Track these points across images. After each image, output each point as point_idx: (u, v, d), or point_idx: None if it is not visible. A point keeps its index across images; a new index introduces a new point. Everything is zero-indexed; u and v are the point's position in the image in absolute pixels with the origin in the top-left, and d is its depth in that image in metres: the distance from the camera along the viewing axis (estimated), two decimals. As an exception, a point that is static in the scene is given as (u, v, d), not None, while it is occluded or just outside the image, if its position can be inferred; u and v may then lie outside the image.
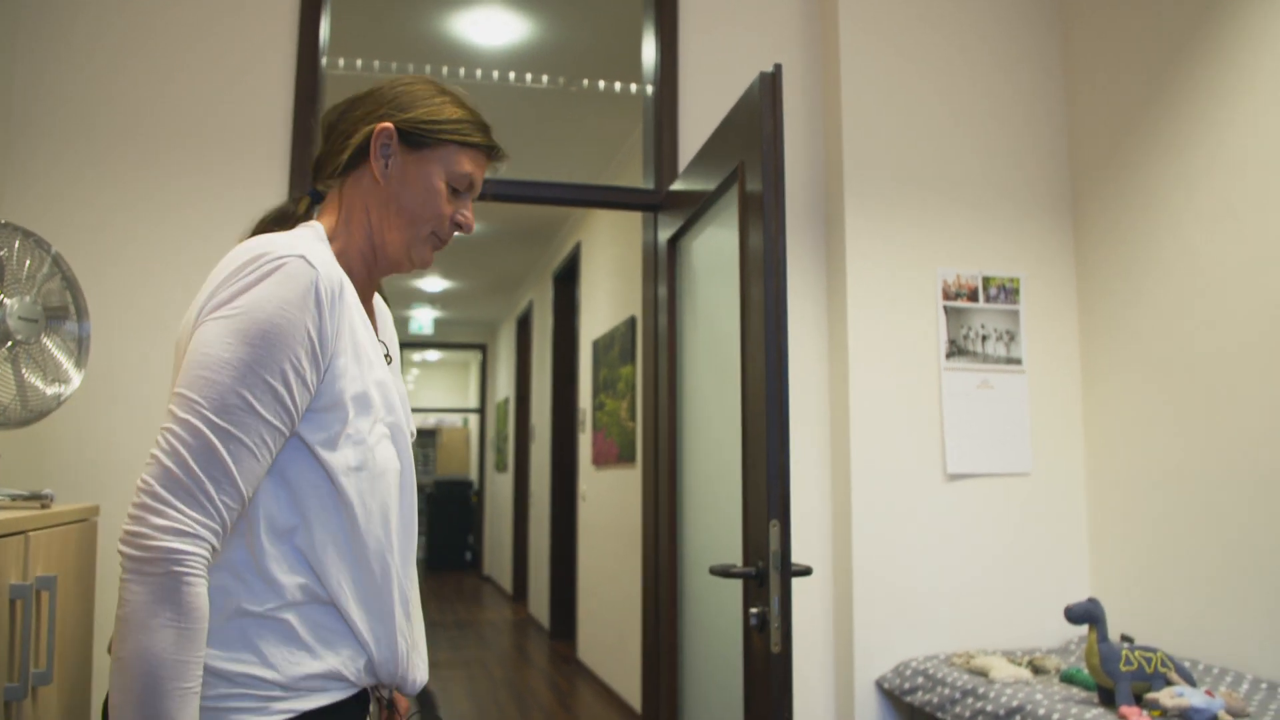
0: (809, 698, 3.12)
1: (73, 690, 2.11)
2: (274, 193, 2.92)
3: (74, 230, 2.82)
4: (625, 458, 5.33)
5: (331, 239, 1.30)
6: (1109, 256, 3.23)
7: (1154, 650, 2.37)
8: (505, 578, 10.39)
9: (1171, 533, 2.93)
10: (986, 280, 3.29)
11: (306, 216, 1.35)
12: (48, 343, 2.15)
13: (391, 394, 1.26)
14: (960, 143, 3.34)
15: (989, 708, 2.54)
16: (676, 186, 3.04)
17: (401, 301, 10.55)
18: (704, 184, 2.73)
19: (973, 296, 3.27)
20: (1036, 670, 2.83)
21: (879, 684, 3.04)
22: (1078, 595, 3.24)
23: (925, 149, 3.30)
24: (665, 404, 3.12)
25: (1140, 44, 3.11)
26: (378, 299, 1.45)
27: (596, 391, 6.11)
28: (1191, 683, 2.36)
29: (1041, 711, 2.40)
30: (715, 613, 2.68)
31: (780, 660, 2.06)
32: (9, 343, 2.04)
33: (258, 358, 1.09)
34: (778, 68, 2.27)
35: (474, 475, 13.60)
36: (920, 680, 2.87)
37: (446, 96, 1.35)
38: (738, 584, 2.39)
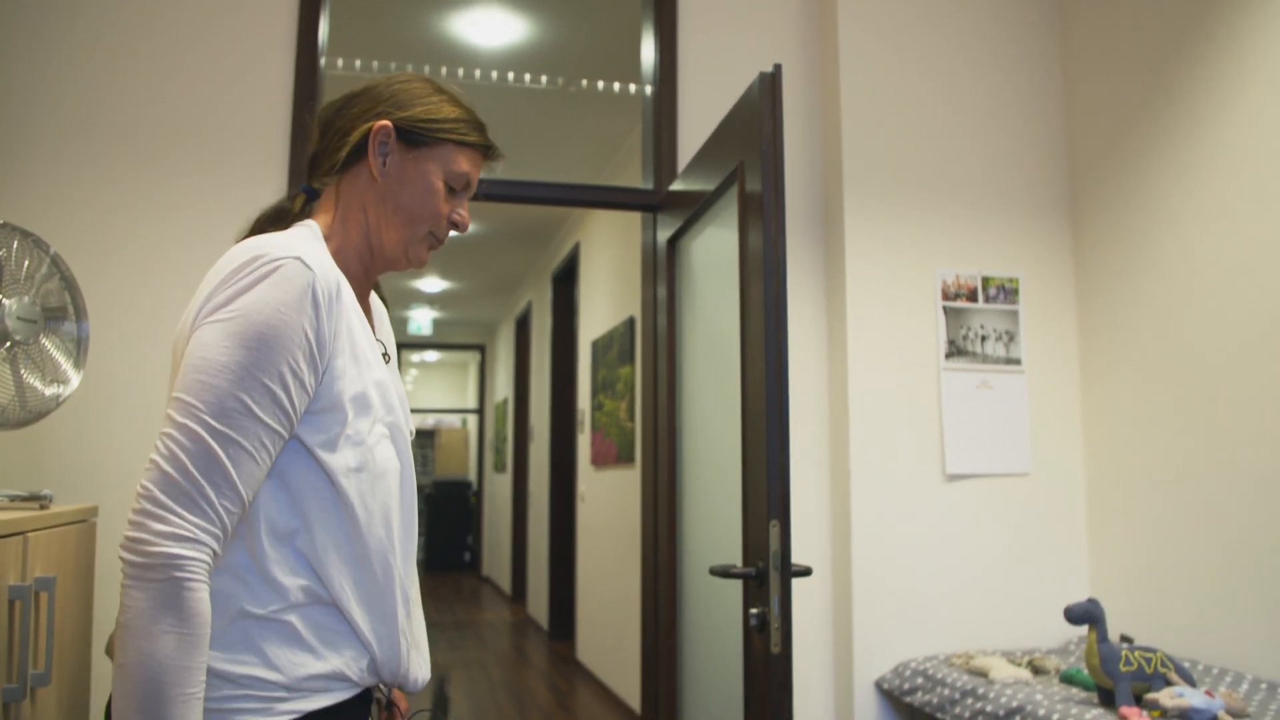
0: (808, 698, 3.11)
1: (71, 691, 2.10)
2: (273, 192, 2.92)
3: (73, 230, 2.81)
4: (624, 458, 5.32)
5: (328, 238, 1.30)
6: (1108, 256, 3.23)
7: (1154, 650, 2.37)
8: (504, 578, 10.38)
9: (1171, 533, 2.93)
10: (986, 280, 3.29)
11: (303, 214, 1.34)
12: (46, 343, 2.14)
13: (390, 394, 1.26)
14: (959, 143, 3.34)
15: (989, 708, 2.54)
16: (676, 187, 3.04)
17: (400, 302, 10.55)
18: (703, 184, 2.73)
19: (972, 297, 3.27)
20: (1036, 671, 2.82)
21: (878, 684, 3.04)
22: (1077, 595, 3.24)
23: (924, 149, 3.30)
24: (664, 404, 3.12)
25: (1139, 44, 3.11)
26: (374, 297, 1.44)
27: (595, 392, 6.11)
28: (1191, 683, 2.36)
29: (1041, 712, 2.40)
30: (714, 613, 2.67)
31: (780, 661, 2.05)
32: (7, 343, 2.03)
33: (255, 361, 1.09)
34: (777, 68, 2.27)
35: (472, 476, 13.59)
36: (920, 681, 2.87)
37: (444, 95, 1.35)
38: (737, 584, 2.39)
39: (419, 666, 1.30)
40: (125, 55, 2.91)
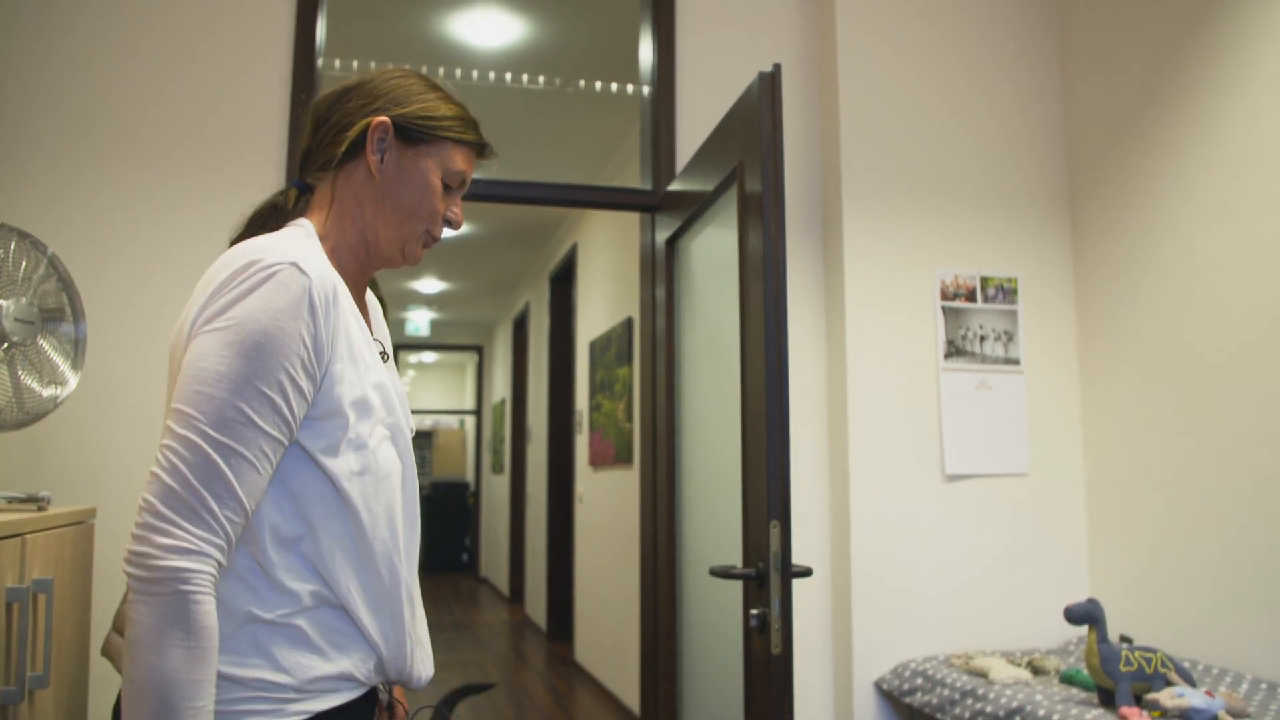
0: (808, 699, 3.11)
1: (70, 693, 2.10)
2: (271, 193, 2.91)
3: (72, 231, 2.81)
4: (622, 459, 5.32)
5: (323, 237, 1.29)
6: (1107, 256, 3.23)
7: (1154, 651, 2.37)
8: (502, 579, 10.37)
9: (1171, 533, 2.93)
10: (984, 280, 3.29)
11: (296, 209, 1.33)
12: (44, 344, 2.14)
13: (390, 394, 1.25)
14: (958, 142, 3.34)
15: (988, 709, 2.54)
16: (674, 187, 3.04)
17: (398, 303, 10.54)
18: (702, 184, 2.73)
19: (971, 297, 3.27)
20: (1036, 671, 2.82)
21: (878, 685, 3.04)
22: (1077, 596, 3.24)
23: (923, 149, 3.30)
24: (663, 405, 3.11)
25: (1137, 43, 3.11)
26: (370, 295, 1.44)
27: (593, 393, 6.10)
28: (1191, 683, 2.35)
29: (1041, 713, 2.39)
30: (714, 614, 2.67)
31: (781, 662, 2.05)
32: (5, 345, 2.03)
33: (253, 369, 1.08)
34: (777, 67, 2.26)
35: (470, 477, 13.58)
36: (919, 681, 2.86)
37: (439, 92, 1.34)
38: (736, 585, 2.38)
39: (423, 664, 1.30)
40: (125, 55, 2.90)
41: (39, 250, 2.15)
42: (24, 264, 2.11)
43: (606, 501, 5.79)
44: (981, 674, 2.74)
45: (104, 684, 2.42)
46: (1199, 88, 2.88)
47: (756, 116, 2.27)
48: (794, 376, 3.22)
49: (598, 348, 6.04)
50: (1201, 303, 2.84)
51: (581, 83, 4.72)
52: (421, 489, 12.88)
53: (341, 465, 1.17)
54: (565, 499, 7.39)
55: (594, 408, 6.06)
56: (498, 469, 10.91)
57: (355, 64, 3.64)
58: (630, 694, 5.16)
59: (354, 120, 1.29)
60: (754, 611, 2.12)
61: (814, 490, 3.20)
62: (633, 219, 4.96)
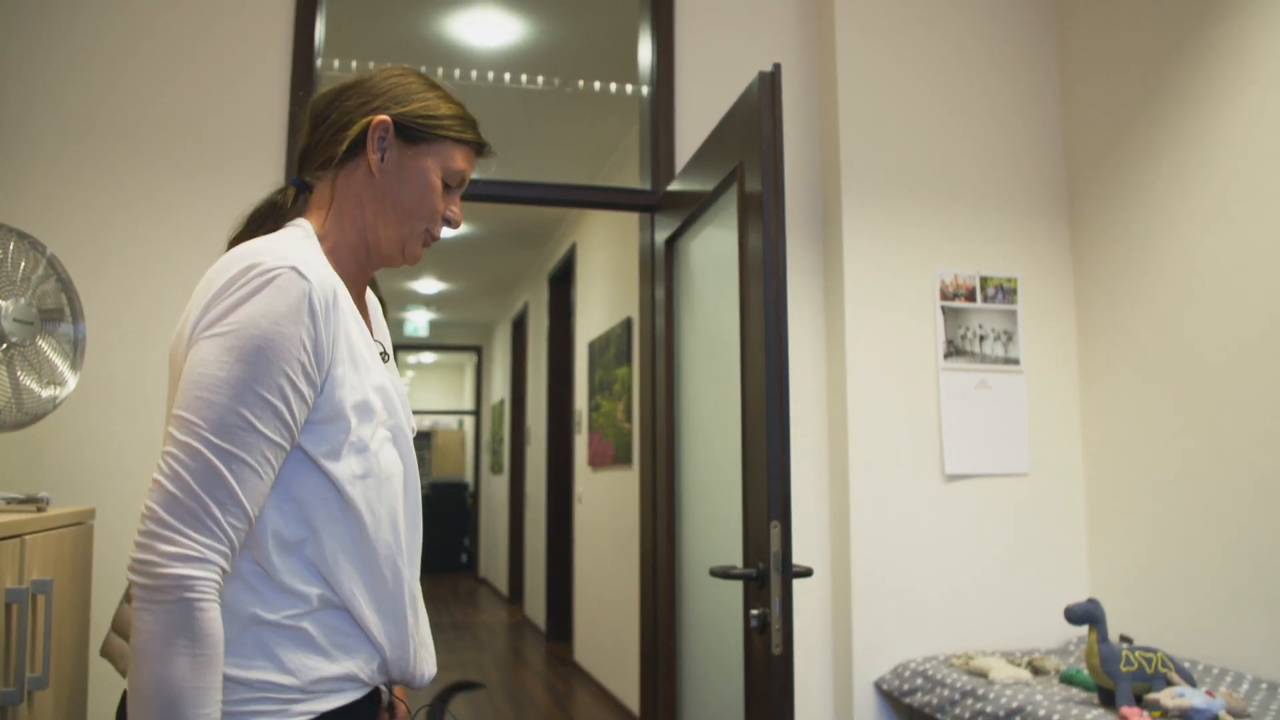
0: (807, 699, 3.11)
1: (69, 694, 2.09)
2: (269, 192, 2.91)
3: (71, 231, 2.80)
4: (621, 459, 5.32)
5: (321, 237, 1.28)
6: (1106, 256, 3.23)
7: (1154, 651, 2.37)
8: (501, 580, 10.37)
9: (1171, 533, 2.93)
10: (984, 280, 3.29)
11: (295, 209, 1.33)
12: (43, 345, 2.14)
13: (391, 396, 1.25)
14: (957, 143, 3.34)
15: (989, 709, 2.54)
16: (674, 187, 3.04)
17: (396, 304, 10.53)
18: (702, 184, 2.73)
19: (970, 296, 3.27)
20: (1036, 671, 2.82)
21: (878, 685, 3.04)
22: (1077, 596, 3.24)
23: (922, 149, 3.30)
24: (663, 405, 3.11)
25: (1137, 43, 3.11)
26: (370, 294, 1.43)
27: (592, 393, 6.10)
28: (1192, 683, 2.35)
29: (1041, 713, 2.39)
30: (713, 614, 2.67)
31: (781, 662, 2.05)
32: (4, 345, 2.02)
33: (254, 375, 1.08)
34: (777, 67, 2.26)
35: (469, 477, 13.58)
36: (919, 681, 2.86)
37: (438, 91, 1.34)
38: (736, 585, 2.38)
39: (426, 664, 1.30)
40: (124, 55, 2.90)
41: (38, 250, 2.15)
42: (23, 264, 2.11)
43: (605, 502, 5.79)
44: (981, 674, 2.74)
45: (103, 685, 2.42)
46: (1198, 88, 2.88)
47: (756, 116, 2.27)
48: (793, 376, 3.22)
49: (597, 348, 6.04)
50: (1201, 303, 2.84)
51: (580, 83, 4.72)
52: (421, 489, 12.89)
53: (344, 469, 1.16)
54: (564, 499, 7.39)
55: (593, 408, 6.06)
56: (497, 469, 10.91)
57: (354, 64, 3.64)
58: (630, 694, 5.16)
59: (354, 119, 1.29)
60: (754, 612, 2.12)
61: (813, 490, 3.20)
62: (631, 219, 4.95)
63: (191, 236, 2.88)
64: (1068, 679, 2.64)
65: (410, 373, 15.42)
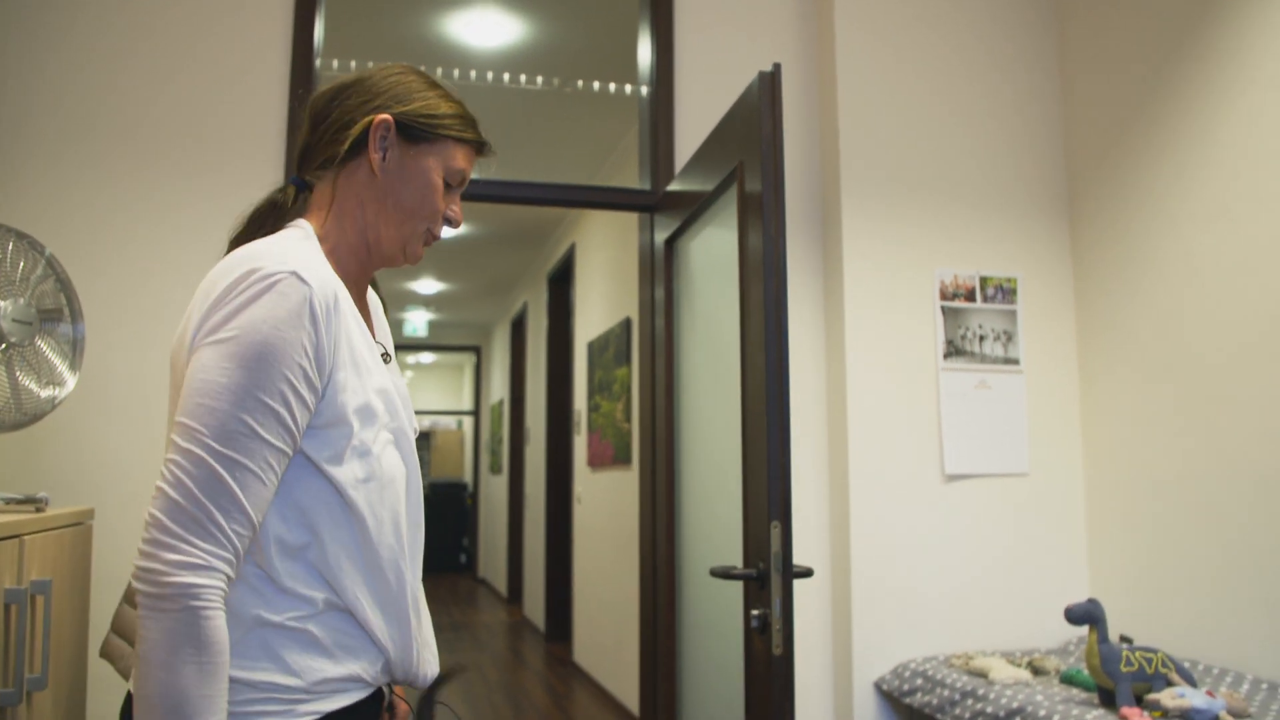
0: (807, 700, 3.11)
1: (68, 694, 2.09)
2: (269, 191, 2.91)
3: (72, 231, 2.80)
4: (620, 459, 5.32)
5: (322, 238, 1.28)
6: (1106, 256, 3.23)
7: (1154, 651, 2.37)
8: (500, 580, 10.37)
9: (1171, 533, 2.93)
10: (984, 280, 3.29)
11: (295, 208, 1.32)
12: (42, 345, 2.13)
13: (393, 398, 1.25)
14: (957, 143, 3.33)
15: (989, 709, 2.54)
16: (673, 187, 3.03)
17: (395, 304, 10.53)
18: (702, 184, 2.73)
19: (970, 296, 3.27)
20: (1036, 671, 2.82)
21: (878, 685, 3.03)
22: (1077, 596, 3.24)
23: (922, 149, 3.30)
24: (663, 405, 3.11)
25: (1136, 43, 3.11)
26: (371, 294, 1.43)
27: (591, 393, 6.10)
28: (1192, 683, 2.35)
29: (1042, 713, 2.39)
30: (713, 615, 2.67)
31: (782, 662, 2.05)
32: (2, 345, 2.02)
33: (256, 381, 1.08)
34: (777, 67, 2.26)
35: (468, 478, 13.58)
36: (919, 682, 2.86)
37: (439, 90, 1.34)
38: (736, 586, 2.38)
39: (429, 664, 1.31)
40: (124, 55, 2.90)
41: (37, 250, 2.14)
42: (21, 264, 2.10)
43: (605, 502, 5.78)
44: (981, 674, 2.73)
45: (102, 685, 2.42)
46: (1197, 88, 2.87)
47: (756, 116, 2.26)
48: (793, 376, 3.22)
49: (596, 348, 6.03)
50: (1201, 303, 2.84)
51: (580, 83, 4.72)
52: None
53: (346, 473, 1.16)
54: (563, 499, 7.39)
55: (592, 408, 6.05)
56: (496, 470, 10.91)
57: (353, 64, 3.64)
58: (629, 695, 5.15)
59: (355, 118, 1.28)
60: (755, 612, 2.11)
61: (813, 490, 3.20)
62: (631, 219, 4.95)
63: (191, 236, 2.87)
64: (1068, 679, 2.64)
65: (409, 373, 15.42)
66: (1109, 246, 3.22)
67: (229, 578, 1.07)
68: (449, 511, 12.69)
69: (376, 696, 1.26)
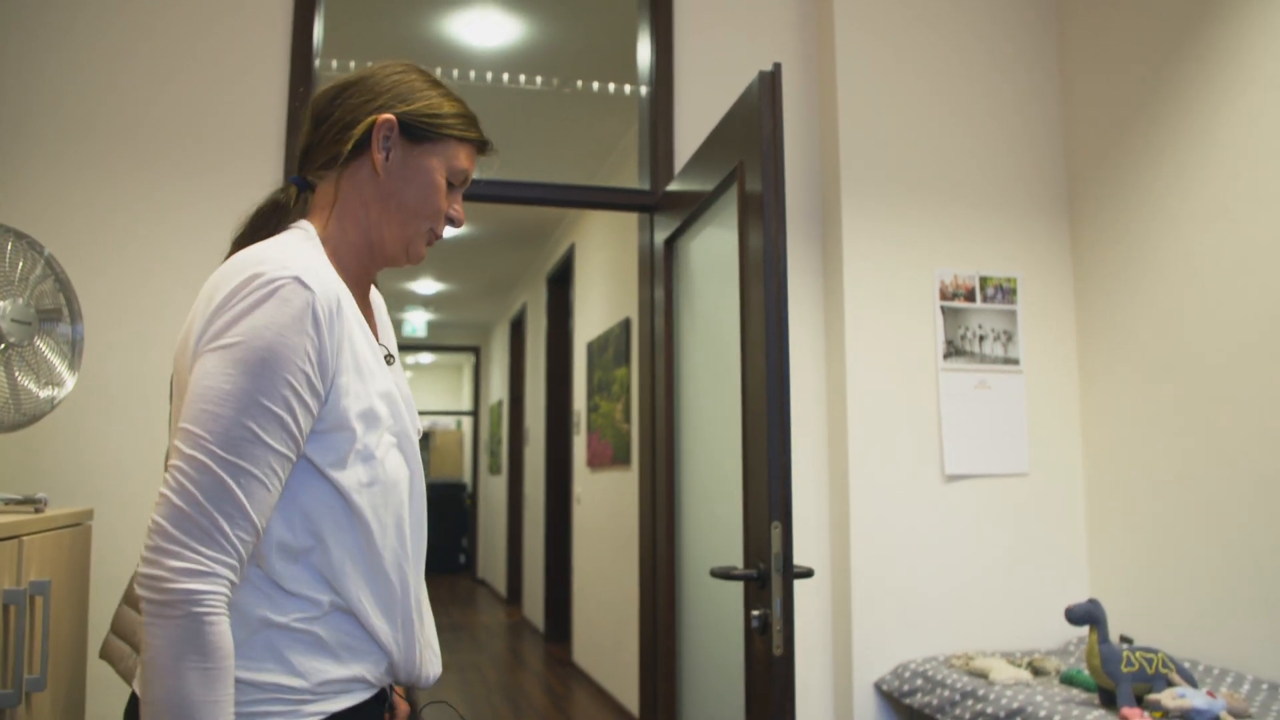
0: (807, 700, 3.11)
1: (67, 695, 2.09)
2: (270, 191, 2.90)
3: (70, 231, 2.79)
4: (620, 460, 5.31)
5: (324, 240, 1.27)
6: (1106, 256, 3.23)
7: (1155, 651, 2.37)
8: (499, 581, 10.36)
9: (1171, 533, 2.93)
10: (984, 280, 3.29)
11: (297, 208, 1.32)
12: (41, 345, 2.13)
13: (397, 401, 1.25)
14: (957, 143, 3.33)
15: (989, 709, 2.53)
16: (673, 187, 3.03)
17: (395, 304, 10.53)
18: (701, 184, 2.72)
19: (970, 296, 3.27)
20: (1036, 672, 2.82)
21: (878, 686, 3.03)
22: (1077, 596, 3.23)
23: (922, 149, 3.30)
24: (662, 406, 3.11)
25: (1136, 43, 3.11)
26: (375, 294, 1.43)
27: (591, 394, 6.10)
28: (1193, 684, 2.35)
29: (1042, 713, 2.39)
30: (713, 615, 2.66)
31: (782, 663, 2.05)
32: (1, 346, 2.02)
33: (259, 387, 1.08)
34: (777, 66, 2.26)
35: (468, 478, 13.57)
36: (919, 682, 2.86)
37: (441, 88, 1.33)
38: (736, 586, 2.38)
39: (431, 665, 1.31)
40: (124, 55, 2.89)
41: (36, 250, 2.14)
42: (20, 264, 2.10)
43: (604, 502, 5.78)
44: (982, 675, 2.73)
45: (102, 686, 2.41)
46: (1197, 88, 2.87)
47: (757, 116, 2.26)
48: (793, 376, 3.22)
49: (595, 348, 6.03)
50: (1201, 303, 2.84)
51: (579, 83, 4.72)
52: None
53: (350, 477, 1.16)
54: (563, 500, 7.39)
55: (592, 408, 6.05)
56: (495, 470, 10.90)
57: (353, 64, 3.63)
58: (629, 695, 5.15)
59: (358, 117, 1.28)
60: (755, 613, 2.11)
61: (813, 491, 3.20)
62: (630, 219, 4.95)
63: (191, 236, 2.87)
64: (1068, 680, 2.64)
65: (408, 373, 15.41)
66: (1109, 246, 3.22)
67: (233, 583, 1.06)
68: (448, 512, 12.69)
69: (380, 697, 1.26)
